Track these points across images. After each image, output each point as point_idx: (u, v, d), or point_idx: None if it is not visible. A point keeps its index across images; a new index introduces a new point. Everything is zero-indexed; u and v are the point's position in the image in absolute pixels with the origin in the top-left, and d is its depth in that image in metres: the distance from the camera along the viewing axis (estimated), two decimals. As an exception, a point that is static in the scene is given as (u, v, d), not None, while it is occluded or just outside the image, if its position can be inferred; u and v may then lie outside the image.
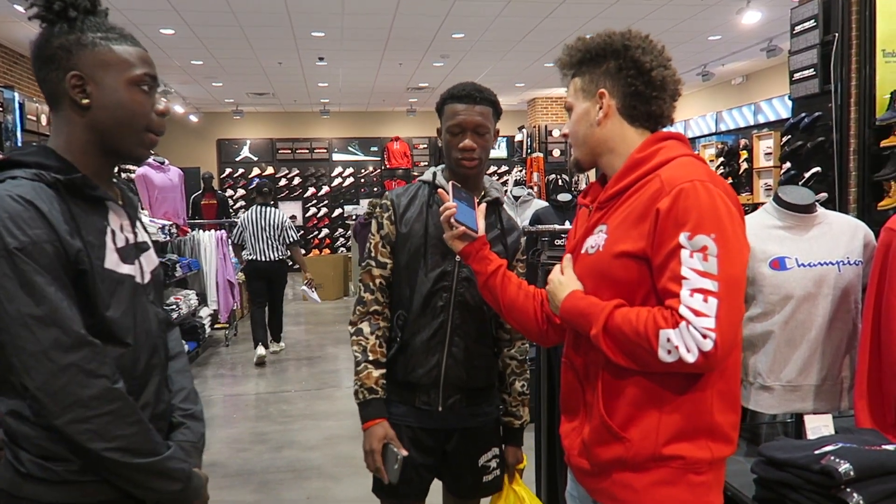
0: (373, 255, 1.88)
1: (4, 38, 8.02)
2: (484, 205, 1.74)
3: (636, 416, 1.29)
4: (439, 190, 1.69)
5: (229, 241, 6.89)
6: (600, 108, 1.38)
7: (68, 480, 1.16)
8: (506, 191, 6.72)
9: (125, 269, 1.24)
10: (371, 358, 1.82)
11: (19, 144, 7.62)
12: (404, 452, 1.76)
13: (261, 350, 6.53)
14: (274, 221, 6.46)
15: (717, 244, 1.20)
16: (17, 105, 7.66)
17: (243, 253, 6.57)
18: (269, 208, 6.58)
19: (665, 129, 1.42)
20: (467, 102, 1.80)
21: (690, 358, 1.18)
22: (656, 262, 1.25)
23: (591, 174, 1.57)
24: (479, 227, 1.61)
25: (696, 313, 1.18)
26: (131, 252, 1.28)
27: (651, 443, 1.28)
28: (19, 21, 6.99)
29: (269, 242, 6.41)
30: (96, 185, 1.22)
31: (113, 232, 1.24)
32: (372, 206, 8.31)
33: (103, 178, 1.28)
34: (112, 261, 1.21)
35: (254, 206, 6.64)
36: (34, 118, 8.08)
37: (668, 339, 1.19)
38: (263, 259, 6.43)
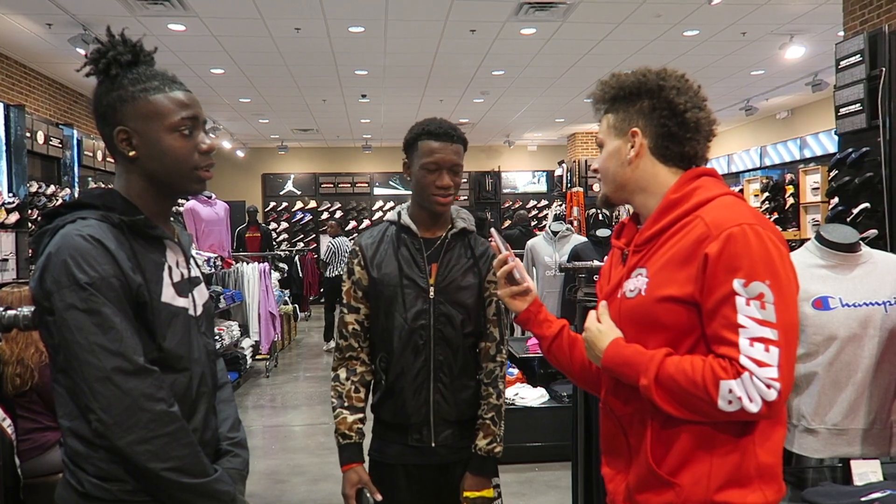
0: (345, 301, 1.91)
1: (65, 79, 8.44)
2: (518, 261, 1.61)
3: (687, 462, 1.25)
4: (492, 242, 1.60)
5: (317, 263, 8.96)
6: (632, 146, 1.35)
7: (122, 500, 1.22)
8: (545, 226, 6.72)
9: (180, 302, 1.33)
10: (346, 404, 1.87)
11: (76, 178, 7.96)
12: (378, 497, 1.80)
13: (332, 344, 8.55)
14: (347, 248, 8.86)
15: (772, 291, 1.17)
16: (75, 142, 8.02)
17: (328, 269, 9.03)
18: (343, 237, 9.28)
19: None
20: (444, 140, 1.80)
21: (754, 408, 1.15)
22: (707, 308, 1.21)
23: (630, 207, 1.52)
24: (528, 282, 1.52)
25: (759, 363, 1.15)
26: (186, 286, 1.36)
27: (703, 489, 1.23)
28: (78, 62, 7.35)
29: (341, 260, 8.74)
30: (156, 226, 1.31)
31: (170, 268, 1.33)
32: None
33: (161, 218, 1.36)
34: (168, 294, 1.30)
35: (336, 237, 9.11)
36: (90, 154, 8.44)
37: (730, 391, 1.16)
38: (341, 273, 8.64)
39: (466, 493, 1.84)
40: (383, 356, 1.86)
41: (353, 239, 14.19)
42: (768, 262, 1.18)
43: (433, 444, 1.85)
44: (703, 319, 1.23)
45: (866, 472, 1.72)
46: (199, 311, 1.40)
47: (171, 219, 1.43)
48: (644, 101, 1.35)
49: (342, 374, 1.89)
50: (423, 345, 1.82)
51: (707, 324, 1.22)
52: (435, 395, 1.83)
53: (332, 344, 8.14)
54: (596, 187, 12.15)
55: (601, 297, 1.45)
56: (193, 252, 1.49)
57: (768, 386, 1.15)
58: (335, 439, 1.87)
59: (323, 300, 9.83)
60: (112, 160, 1.37)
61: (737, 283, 1.18)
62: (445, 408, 1.84)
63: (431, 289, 1.83)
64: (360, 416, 1.87)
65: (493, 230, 1.63)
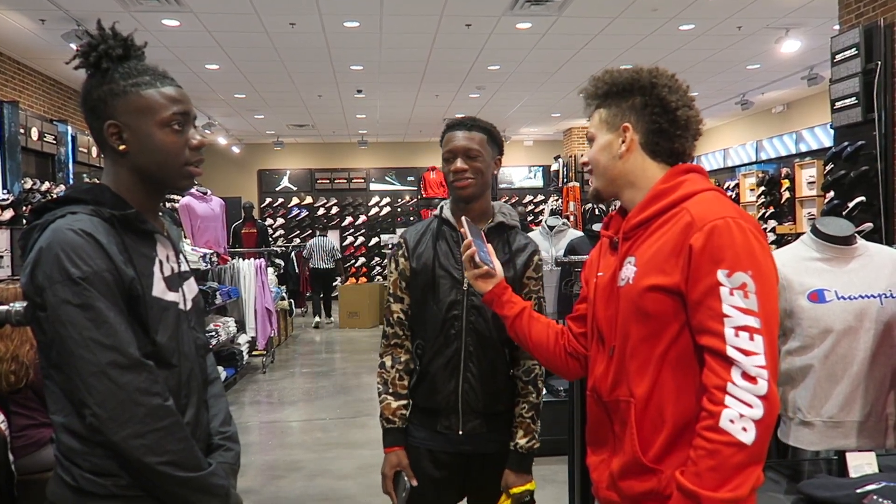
0: (391, 291, 2.00)
1: (59, 75, 8.40)
2: (489, 246, 1.75)
3: (670, 450, 1.28)
4: (461, 228, 1.71)
5: (305, 258, 10.94)
6: (623, 141, 1.40)
7: (116, 495, 1.22)
8: (541, 220, 6.73)
9: (171, 296, 1.33)
10: (391, 390, 1.94)
11: (71, 174, 7.93)
12: (413, 482, 1.88)
13: (317, 318, 10.91)
14: (327, 245, 11.00)
15: (754, 280, 1.20)
16: (69, 138, 8.00)
17: (309, 262, 11.01)
18: (324, 237, 11.26)
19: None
20: (461, 129, 1.91)
21: (759, 412, 1.16)
22: (692, 298, 1.24)
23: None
24: (495, 265, 1.66)
25: (746, 353, 1.18)
26: (176, 281, 1.36)
27: None
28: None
29: (325, 257, 10.82)
30: (146, 220, 1.31)
31: (160, 262, 1.33)
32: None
33: (150, 212, 1.36)
34: (159, 289, 1.30)
35: (317, 236, 11.25)
36: (85, 150, 8.42)
37: (731, 420, 1.16)
38: (322, 266, 10.80)
39: (513, 490, 1.89)
40: (419, 343, 1.95)
41: (345, 235, 14.35)
42: (750, 253, 1.22)
43: (460, 433, 1.90)
44: (688, 310, 1.26)
45: (861, 464, 1.72)
46: (189, 305, 1.40)
47: (161, 213, 1.43)
48: (636, 98, 1.39)
49: (388, 361, 1.97)
50: (454, 334, 1.89)
51: (692, 315, 1.25)
52: (464, 384, 1.89)
53: (317, 319, 11.01)
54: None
55: (590, 288, 1.49)
56: (184, 247, 1.49)
57: (755, 379, 1.16)
58: (380, 423, 1.95)
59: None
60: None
61: (720, 274, 1.21)
62: (473, 397, 1.89)
63: (465, 281, 1.87)
64: (404, 402, 1.94)
65: (462, 217, 1.71)
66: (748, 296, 1.19)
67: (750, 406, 1.16)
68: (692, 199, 1.31)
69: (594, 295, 1.46)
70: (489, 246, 1.69)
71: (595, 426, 1.45)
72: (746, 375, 1.17)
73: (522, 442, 1.90)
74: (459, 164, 1.87)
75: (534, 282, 1.95)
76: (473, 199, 1.90)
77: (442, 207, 1.99)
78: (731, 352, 1.18)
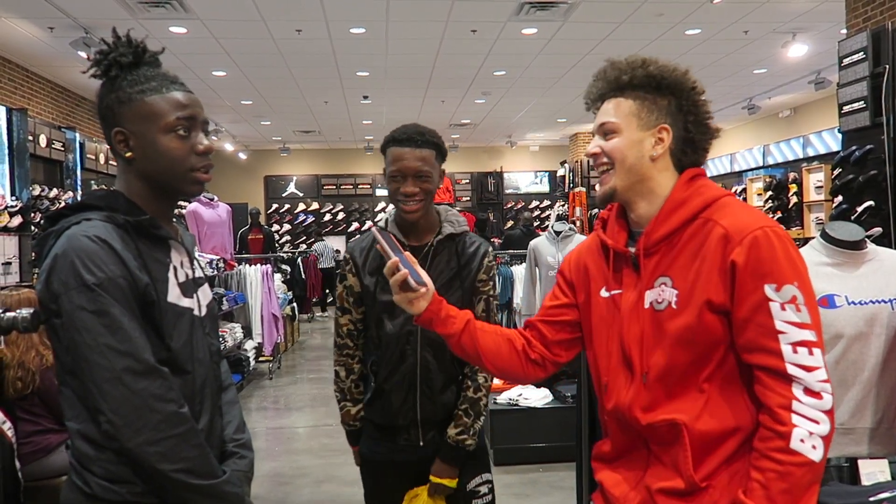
0: (339, 304, 1.99)
1: (67, 82, 8.46)
2: (408, 254, 1.52)
3: (723, 467, 1.23)
4: (378, 245, 1.48)
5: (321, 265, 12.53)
6: (658, 142, 1.29)
7: (130, 502, 1.22)
8: (547, 226, 6.73)
9: (185, 302, 1.32)
10: (348, 397, 2.01)
11: (79, 181, 7.97)
12: None
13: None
14: (329, 248, 12.71)
15: (802, 292, 1.16)
16: (77, 145, 8.03)
17: (318, 264, 12.45)
18: (325, 241, 12.91)
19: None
20: (409, 146, 1.80)
21: (826, 428, 1.13)
22: (739, 317, 1.19)
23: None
24: (424, 278, 1.43)
25: (807, 369, 1.14)
26: (190, 287, 1.36)
27: (735, 488, 1.20)
28: (80, 66, 7.35)
29: (329, 258, 12.50)
30: (160, 226, 1.31)
31: (175, 268, 1.32)
32: None
33: (163, 218, 1.36)
34: (174, 294, 1.30)
35: (321, 241, 12.88)
36: (93, 157, 8.45)
37: (802, 440, 1.12)
38: (328, 266, 12.42)
39: (433, 479, 1.86)
40: (374, 361, 1.93)
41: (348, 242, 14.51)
42: (793, 264, 1.18)
43: (421, 444, 1.91)
44: (733, 328, 1.20)
45: (874, 471, 1.70)
46: (204, 311, 1.39)
47: (174, 219, 1.42)
48: (672, 99, 1.30)
49: (342, 372, 2.01)
50: (410, 350, 1.87)
51: (739, 333, 1.20)
52: (421, 398, 1.88)
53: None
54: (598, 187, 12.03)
55: (594, 303, 1.38)
56: (196, 253, 1.49)
57: (819, 394, 1.14)
58: (343, 426, 2.06)
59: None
60: (114, 162, 1.35)
61: (769, 289, 1.16)
62: (430, 409, 1.89)
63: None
64: (361, 405, 2.01)
65: (374, 229, 1.52)
66: (800, 309, 1.15)
67: (817, 423, 1.13)
68: (714, 208, 1.24)
69: (622, 315, 1.32)
70: (408, 254, 1.45)
71: (622, 447, 1.36)
72: (810, 391, 1.14)
73: (453, 433, 1.86)
74: (410, 187, 1.79)
75: (483, 283, 1.89)
76: (419, 219, 1.85)
77: (387, 221, 1.92)
78: (791, 369, 1.14)
